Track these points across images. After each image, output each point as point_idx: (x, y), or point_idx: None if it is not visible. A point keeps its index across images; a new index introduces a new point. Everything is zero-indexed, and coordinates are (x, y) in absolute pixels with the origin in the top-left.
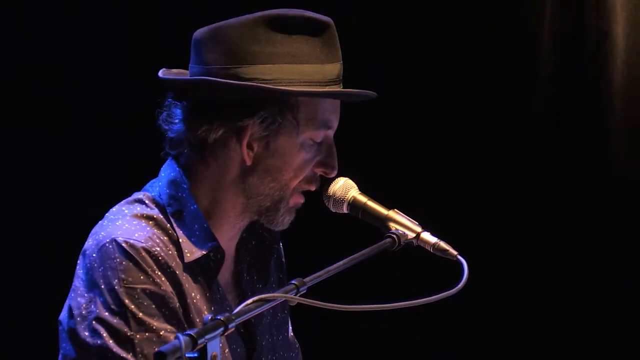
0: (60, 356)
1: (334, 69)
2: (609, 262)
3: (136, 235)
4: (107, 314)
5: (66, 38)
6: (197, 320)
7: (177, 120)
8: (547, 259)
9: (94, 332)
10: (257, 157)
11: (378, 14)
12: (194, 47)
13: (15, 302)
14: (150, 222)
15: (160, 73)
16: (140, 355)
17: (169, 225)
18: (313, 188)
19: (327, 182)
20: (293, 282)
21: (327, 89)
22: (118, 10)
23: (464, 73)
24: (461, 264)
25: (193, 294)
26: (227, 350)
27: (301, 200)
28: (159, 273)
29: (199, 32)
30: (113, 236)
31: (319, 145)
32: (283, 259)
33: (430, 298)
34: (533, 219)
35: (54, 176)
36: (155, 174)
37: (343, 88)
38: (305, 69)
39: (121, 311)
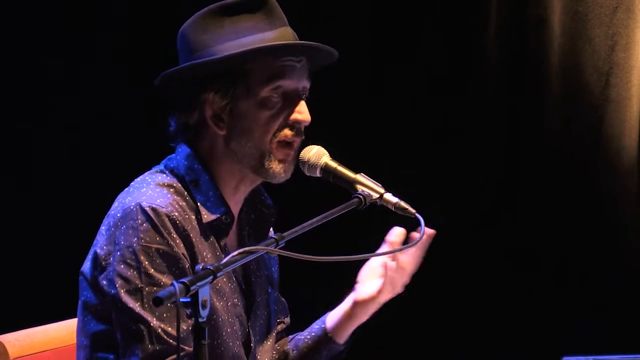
0: (80, 302)
1: (276, 33)
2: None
3: (158, 201)
4: (122, 266)
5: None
6: None
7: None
8: (492, 221)
9: (110, 282)
10: (228, 126)
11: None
12: None
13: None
14: (171, 190)
15: (158, 79)
16: (146, 306)
17: (186, 192)
18: (290, 137)
19: (302, 149)
20: (273, 236)
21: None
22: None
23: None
24: (419, 221)
25: (204, 253)
26: (229, 303)
27: (289, 151)
28: (175, 236)
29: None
30: (138, 201)
31: (283, 99)
32: None
33: (392, 250)
34: (484, 185)
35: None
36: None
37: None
38: (248, 40)
39: (135, 265)
